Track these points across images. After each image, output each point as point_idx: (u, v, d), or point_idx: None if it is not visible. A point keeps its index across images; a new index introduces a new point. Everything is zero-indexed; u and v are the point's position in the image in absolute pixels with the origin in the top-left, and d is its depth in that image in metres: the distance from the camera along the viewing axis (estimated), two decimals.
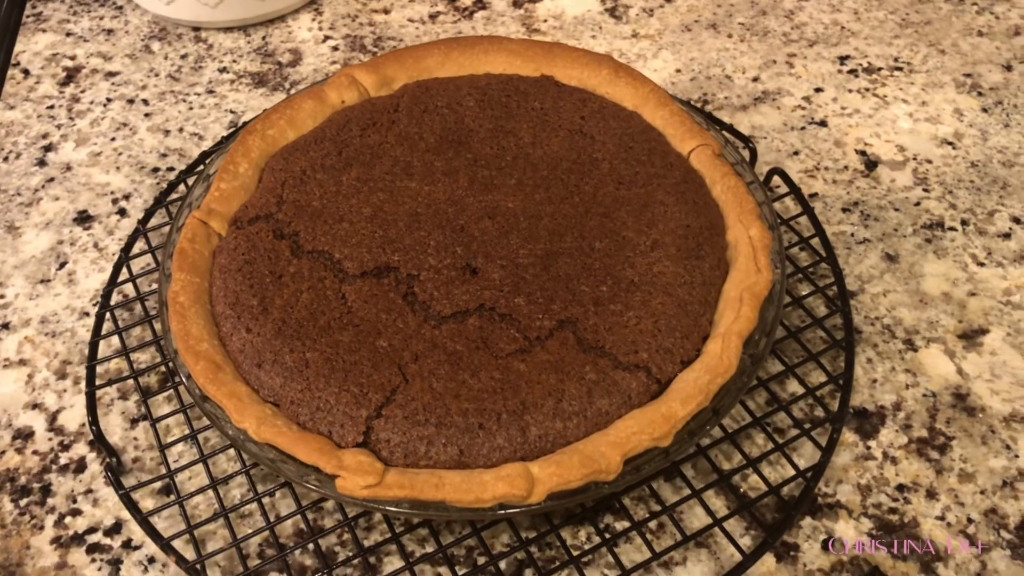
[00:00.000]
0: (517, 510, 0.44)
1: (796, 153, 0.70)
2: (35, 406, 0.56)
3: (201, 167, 0.66)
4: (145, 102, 0.76)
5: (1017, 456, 0.52)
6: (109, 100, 0.77)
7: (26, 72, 0.80)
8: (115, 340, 0.58)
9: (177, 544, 0.49)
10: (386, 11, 0.84)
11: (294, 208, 0.56)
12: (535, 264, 0.52)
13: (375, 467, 0.44)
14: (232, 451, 0.53)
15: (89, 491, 0.52)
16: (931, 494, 0.51)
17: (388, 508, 0.44)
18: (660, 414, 0.45)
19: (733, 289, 0.51)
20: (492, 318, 0.50)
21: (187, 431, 0.53)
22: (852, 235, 0.64)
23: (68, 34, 0.84)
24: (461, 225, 0.54)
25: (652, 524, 0.50)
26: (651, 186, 0.56)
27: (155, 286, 0.61)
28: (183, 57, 0.80)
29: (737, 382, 0.48)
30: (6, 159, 0.72)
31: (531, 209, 0.55)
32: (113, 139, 0.73)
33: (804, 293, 0.58)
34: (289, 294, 0.51)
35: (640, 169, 0.57)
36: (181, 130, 0.74)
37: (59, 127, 0.75)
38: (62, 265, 0.64)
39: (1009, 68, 0.76)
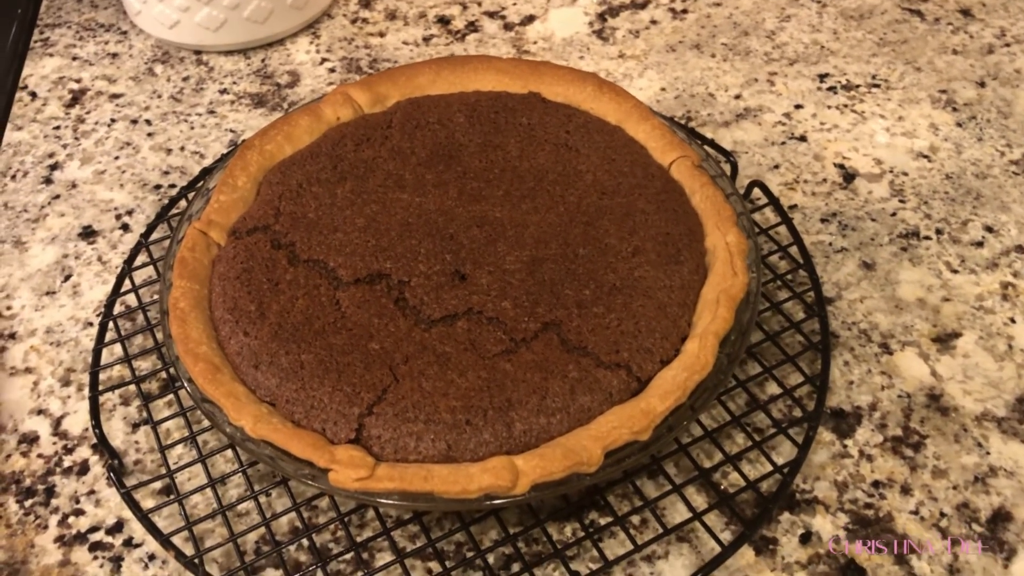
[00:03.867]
0: (503, 501, 0.45)
1: (776, 167, 0.72)
2: (40, 412, 0.58)
3: (201, 183, 0.69)
4: (148, 122, 0.79)
5: (988, 453, 0.54)
6: (113, 121, 0.79)
7: (33, 95, 0.83)
8: (117, 348, 0.60)
9: (176, 540, 0.50)
10: (381, 34, 0.87)
11: (291, 219, 0.58)
12: (521, 270, 0.54)
13: (366, 461, 0.46)
14: (230, 452, 0.55)
15: (92, 492, 0.54)
16: (905, 490, 0.53)
17: (379, 500, 0.46)
18: (639, 409, 0.47)
19: (711, 292, 0.53)
20: (480, 321, 0.52)
21: (187, 433, 0.55)
22: (830, 244, 0.66)
23: (74, 58, 0.86)
24: (450, 234, 0.56)
25: (635, 519, 0.52)
26: (633, 196, 0.58)
27: (156, 296, 0.63)
28: (185, 79, 0.83)
29: (714, 379, 0.50)
30: (14, 177, 0.74)
31: (518, 218, 0.57)
32: (117, 158, 0.76)
33: (782, 299, 0.61)
34: (285, 300, 0.53)
35: (622, 180, 0.59)
36: (183, 149, 0.76)
37: (65, 147, 0.77)
38: (67, 278, 0.67)
39: (983, 84, 0.78)
